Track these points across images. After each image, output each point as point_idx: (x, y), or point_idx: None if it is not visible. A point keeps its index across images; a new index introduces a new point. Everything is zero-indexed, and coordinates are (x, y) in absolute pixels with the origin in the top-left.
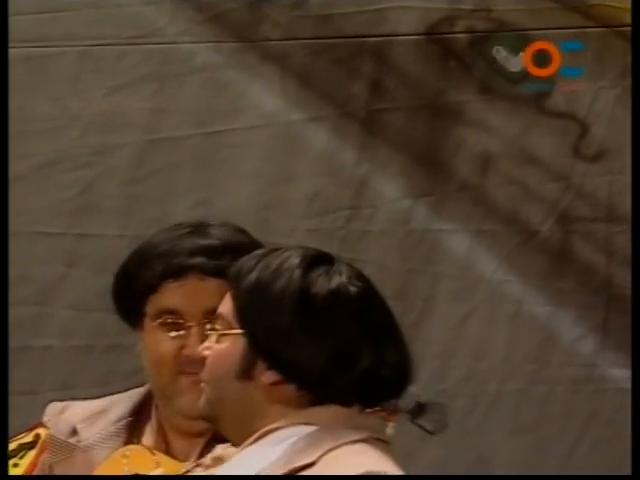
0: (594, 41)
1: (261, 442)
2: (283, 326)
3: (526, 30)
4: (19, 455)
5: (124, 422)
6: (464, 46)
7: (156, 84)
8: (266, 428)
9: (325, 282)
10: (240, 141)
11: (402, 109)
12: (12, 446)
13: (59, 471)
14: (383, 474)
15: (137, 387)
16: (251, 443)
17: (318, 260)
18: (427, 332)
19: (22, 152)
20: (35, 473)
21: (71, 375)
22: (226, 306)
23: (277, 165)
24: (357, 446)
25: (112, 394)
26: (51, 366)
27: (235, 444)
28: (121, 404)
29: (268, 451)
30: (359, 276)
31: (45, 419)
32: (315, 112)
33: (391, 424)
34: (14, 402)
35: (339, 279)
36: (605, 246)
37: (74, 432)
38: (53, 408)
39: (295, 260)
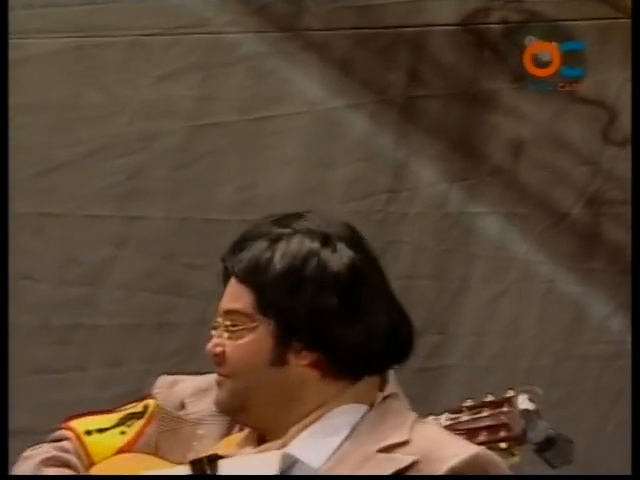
0: (623, 30)
1: (319, 423)
2: (322, 306)
3: (557, 21)
4: (127, 424)
5: None
6: (497, 36)
7: (202, 73)
8: (321, 410)
9: (342, 258)
10: (282, 127)
11: (438, 96)
12: (120, 415)
13: (164, 442)
14: (490, 455)
15: (183, 364)
16: (308, 425)
17: (325, 238)
18: (462, 310)
19: (73, 139)
20: (140, 442)
21: (120, 352)
22: (242, 301)
23: (318, 150)
24: (428, 424)
25: (160, 370)
26: (101, 343)
27: (266, 430)
28: None
29: (331, 431)
30: (353, 243)
31: (155, 391)
32: (354, 99)
33: (517, 452)
34: (65, 378)
35: (348, 253)
36: None
37: (182, 406)
38: (163, 381)
39: (311, 243)
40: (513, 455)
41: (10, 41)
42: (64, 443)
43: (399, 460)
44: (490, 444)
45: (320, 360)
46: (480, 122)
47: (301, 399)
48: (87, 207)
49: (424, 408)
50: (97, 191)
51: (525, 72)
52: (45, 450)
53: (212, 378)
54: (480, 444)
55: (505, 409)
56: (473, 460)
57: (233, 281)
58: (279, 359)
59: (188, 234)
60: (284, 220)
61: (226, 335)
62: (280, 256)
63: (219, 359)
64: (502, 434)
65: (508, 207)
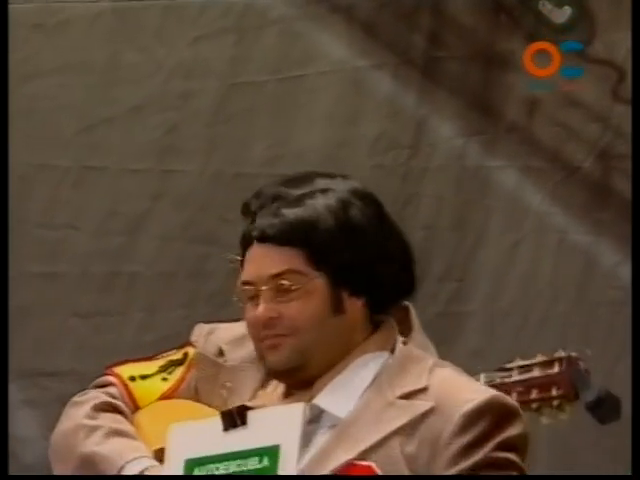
0: None
1: (344, 373)
2: (368, 253)
3: None
4: (168, 370)
5: None
6: (513, 1)
7: (235, 35)
8: (346, 360)
9: (370, 208)
10: (311, 86)
11: (457, 57)
12: (161, 362)
13: (203, 388)
14: (504, 399)
15: (218, 309)
16: (334, 376)
17: (348, 194)
18: (481, 258)
19: (112, 97)
20: (182, 388)
21: (157, 298)
22: (291, 261)
23: (345, 108)
24: (447, 369)
25: (195, 316)
26: (139, 290)
27: (311, 383)
28: None
29: (355, 381)
30: (365, 195)
31: (193, 339)
32: (379, 60)
33: (568, 410)
34: (105, 323)
35: (370, 203)
36: None
37: (220, 353)
38: (201, 329)
39: (343, 198)
40: (563, 412)
41: (51, 5)
42: (110, 389)
43: (418, 406)
44: (542, 402)
45: (364, 303)
46: (497, 81)
47: (353, 344)
48: (126, 161)
49: (445, 350)
50: (136, 146)
51: (538, 35)
52: (94, 396)
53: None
54: (532, 401)
55: (556, 369)
56: (487, 404)
57: (267, 247)
58: (338, 307)
59: (221, 187)
60: (295, 182)
61: (279, 298)
62: (324, 211)
63: (274, 322)
64: (554, 392)
65: (523, 161)
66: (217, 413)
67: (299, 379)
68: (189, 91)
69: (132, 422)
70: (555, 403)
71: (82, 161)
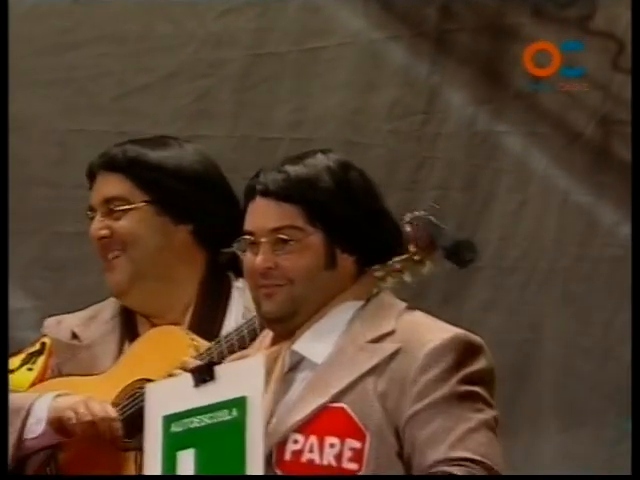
0: None
1: (321, 321)
2: (362, 213)
3: None
4: (31, 361)
5: (116, 320)
6: None
7: (260, 8)
8: (323, 310)
9: (364, 175)
10: (331, 56)
11: (468, 30)
12: (22, 356)
13: (67, 370)
14: (468, 336)
15: None
16: (311, 324)
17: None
18: (489, 218)
19: (147, 66)
20: (47, 375)
21: None
22: (290, 217)
23: (362, 77)
24: (415, 312)
25: None
26: None
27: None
28: (108, 307)
29: (331, 328)
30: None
31: (45, 331)
32: (394, 32)
33: (428, 263)
34: None
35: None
36: None
37: (74, 336)
38: (50, 321)
39: (343, 161)
40: (424, 265)
41: None
42: None
43: (386, 348)
44: (403, 261)
45: (355, 260)
46: (504, 52)
47: (339, 298)
48: (159, 126)
49: (457, 303)
50: (168, 112)
51: (543, 9)
52: None
53: (93, 308)
54: (393, 263)
55: (409, 228)
56: (450, 341)
57: (268, 201)
58: (331, 263)
59: (247, 150)
60: (301, 155)
61: (276, 249)
62: (324, 172)
63: (271, 272)
64: (412, 248)
65: (529, 127)
66: (84, 379)
67: (289, 328)
68: (217, 60)
69: None
70: (416, 258)
71: (118, 126)
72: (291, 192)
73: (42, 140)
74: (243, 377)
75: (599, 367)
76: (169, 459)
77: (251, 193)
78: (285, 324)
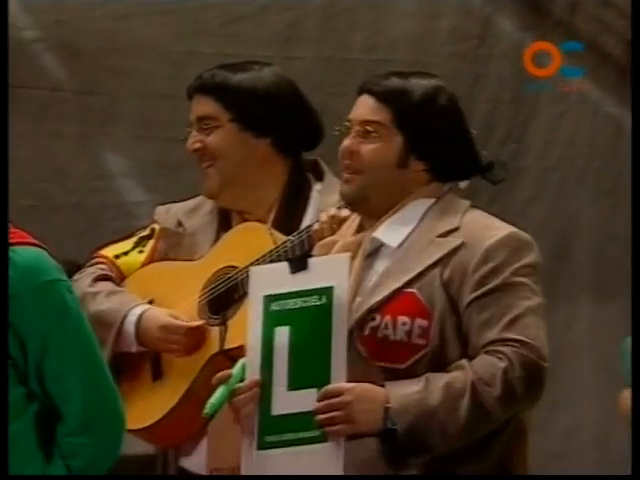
0: None
1: (398, 214)
2: (444, 129)
3: None
4: (141, 244)
5: (214, 213)
6: None
7: None
8: (400, 204)
9: (454, 101)
10: None
11: None
12: (134, 239)
13: (172, 255)
14: (521, 234)
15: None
16: (390, 216)
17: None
18: (534, 125)
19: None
20: (155, 257)
21: None
22: (382, 115)
23: (427, 6)
24: (477, 211)
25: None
26: None
27: (374, 219)
28: (208, 201)
29: (406, 220)
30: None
31: (156, 217)
32: None
33: (464, 181)
34: None
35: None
36: None
37: (179, 224)
38: (160, 209)
39: (437, 82)
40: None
41: None
42: (102, 266)
43: (451, 242)
44: None
45: (427, 168)
46: None
47: (407, 196)
48: (257, 49)
49: (505, 198)
50: (265, 37)
51: None
52: (91, 271)
53: (197, 200)
54: None
55: None
56: (506, 238)
57: (370, 98)
58: (403, 163)
59: (331, 69)
60: (407, 72)
61: (362, 139)
62: (419, 87)
63: (352, 155)
64: None
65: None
66: (184, 263)
67: (363, 211)
68: None
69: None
70: None
71: (222, 49)
72: (388, 97)
73: (159, 60)
74: (332, 269)
75: (626, 250)
76: (268, 333)
77: (361, 89)
78: (358, 207)
